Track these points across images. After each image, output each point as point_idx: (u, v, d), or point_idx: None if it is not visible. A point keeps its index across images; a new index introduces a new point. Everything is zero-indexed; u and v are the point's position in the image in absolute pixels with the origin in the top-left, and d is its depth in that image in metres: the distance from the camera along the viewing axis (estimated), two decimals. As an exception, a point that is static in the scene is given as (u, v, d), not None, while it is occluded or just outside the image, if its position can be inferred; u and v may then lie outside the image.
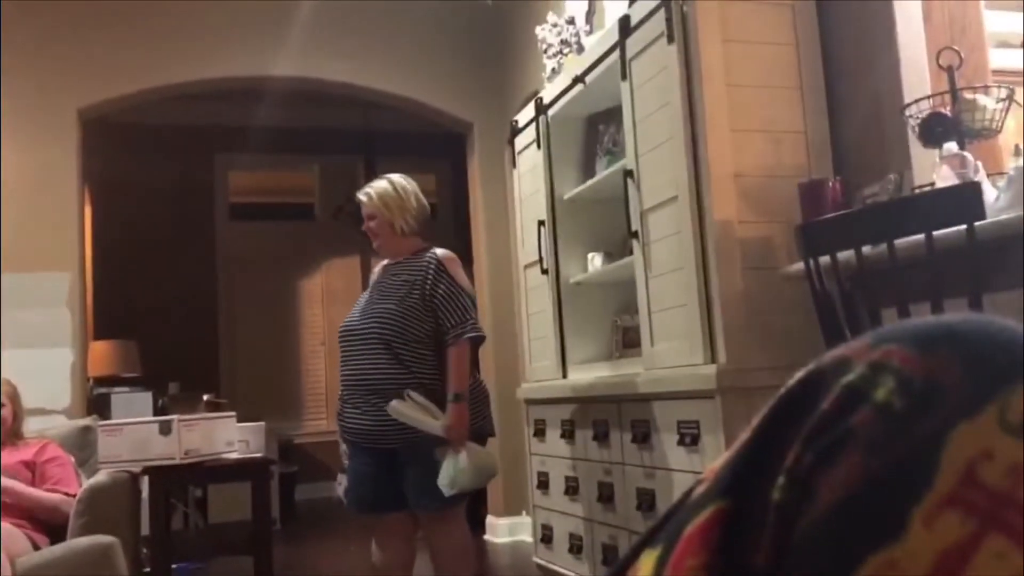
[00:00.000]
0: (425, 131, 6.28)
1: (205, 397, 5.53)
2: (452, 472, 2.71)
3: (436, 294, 2.85)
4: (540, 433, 3.81)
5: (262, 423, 5.64)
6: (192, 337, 7.18)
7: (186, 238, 7.44)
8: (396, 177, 3.10)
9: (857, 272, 1.92)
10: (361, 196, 3.06)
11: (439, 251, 3.00)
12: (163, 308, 7.03)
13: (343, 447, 3.01)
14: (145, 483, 3.55)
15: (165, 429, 4.81)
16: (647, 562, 0.40)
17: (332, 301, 7.99)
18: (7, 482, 3.04)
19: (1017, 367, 0.34)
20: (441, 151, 7.08)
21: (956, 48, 2.47)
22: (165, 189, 7.30)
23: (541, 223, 3.78)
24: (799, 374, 0.39)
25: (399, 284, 2.91)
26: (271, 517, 5.41)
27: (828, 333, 2.04)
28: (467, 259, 5.95)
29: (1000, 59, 3.76)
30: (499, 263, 5.34)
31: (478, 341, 2.91)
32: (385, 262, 3.09)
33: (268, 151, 7.32)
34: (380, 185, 3.05)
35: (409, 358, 2.81)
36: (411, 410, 2.74)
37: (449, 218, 7.61)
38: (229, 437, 5.05)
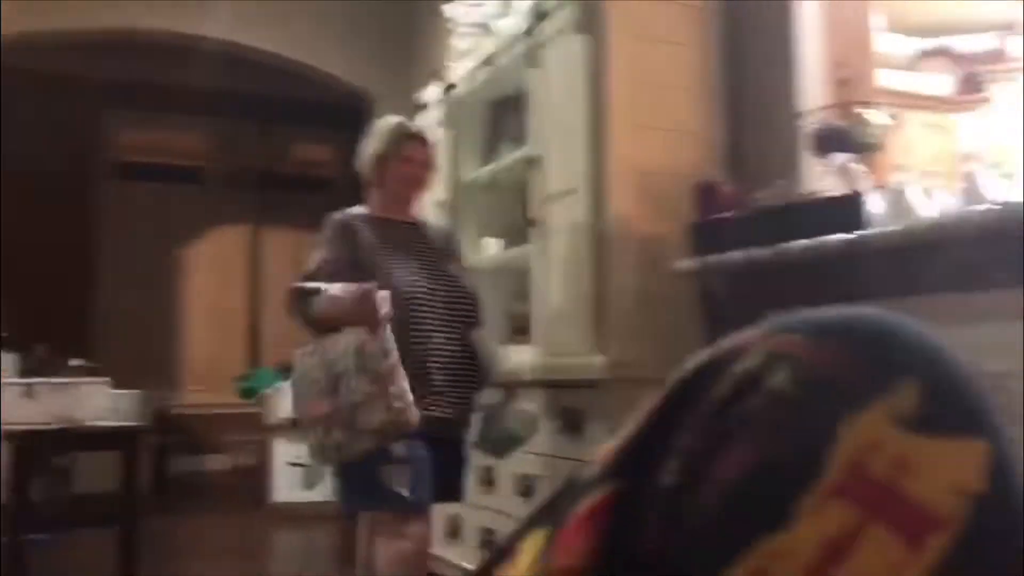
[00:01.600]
0: (324, 100, 6.15)
1: (74, 362, 5.28)
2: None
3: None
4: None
5: (136, 391, 5.42)
6: (65, 299, 6.84)
7: (64, 195, 7.07)
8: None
9: (745, 273, 1.97)
10: (426, 135, 2.59)
11: None
12: (33, 267, 6.67)
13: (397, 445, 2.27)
14: (3, 449, 3.37)
15: (29, 393, 4.56)
16: (531, 544, 0.39)
17: (219, 270, 7.75)
18: None
19: (907, 361, 0.34)
20: (340, 122, 6.94)
21: (849, 64, 2.57)
22: (46, 141, 6.91)
23: (441, 204, 3.75)
24: (695, 360, 0.39)
25: (444, 253, 2.55)
26: (139, 488, 5.22)
27: (712, 330, 2.10)
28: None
29: (886, 79, 3.93)
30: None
31: None
32: (383, 216, 2.53)
33: (159, 110, 7.02)
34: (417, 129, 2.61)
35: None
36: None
37: (345, 193, 7.48)
38: (99, 404, 4.83)
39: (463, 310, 2.42)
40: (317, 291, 2.27)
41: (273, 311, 7.54)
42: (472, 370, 2.41)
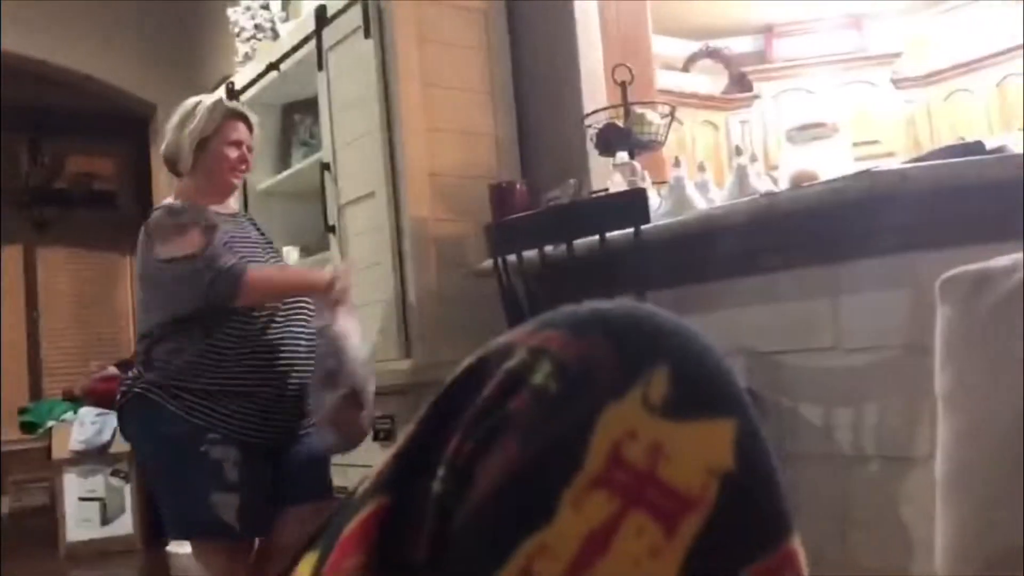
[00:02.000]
0: (104, 111, 5.76)
1: None
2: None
3: None
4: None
5: None
6: None
7: None
8: None
9: (540, 270, 2.02)
10: (250, 114, 2.34)
11: None
12: None
13: (227, 453, 2.08)
14: None
15: None
16: (304, 567, 0.38)
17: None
18: None
19: (659, 349, 0.36)
20: (122, 133, 6.53)
21: (628, 66, 2.69)
22: None
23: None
24: (465, 362, 0.39)
25: (269, 248, 2.36)
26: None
27: (513, 327, 2.14)
28: (150, 252, 5.54)
29: (663, 80, 4.15)
30: (186, 256, 5.02)
31: None
32: (214, 208, 2.29)
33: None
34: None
35: None
36: None
37: (130, 207, 7.03)
38: None
39: (301, 308, 2.23)
40: None
41: (54, 337, 6.98)
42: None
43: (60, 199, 7.19)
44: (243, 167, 2.30)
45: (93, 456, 4.90)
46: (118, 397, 2.20)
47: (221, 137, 2.24)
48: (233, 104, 2.40)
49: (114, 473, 4.97)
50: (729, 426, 0.35)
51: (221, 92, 3.73)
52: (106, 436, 4.95)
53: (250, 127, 2.32)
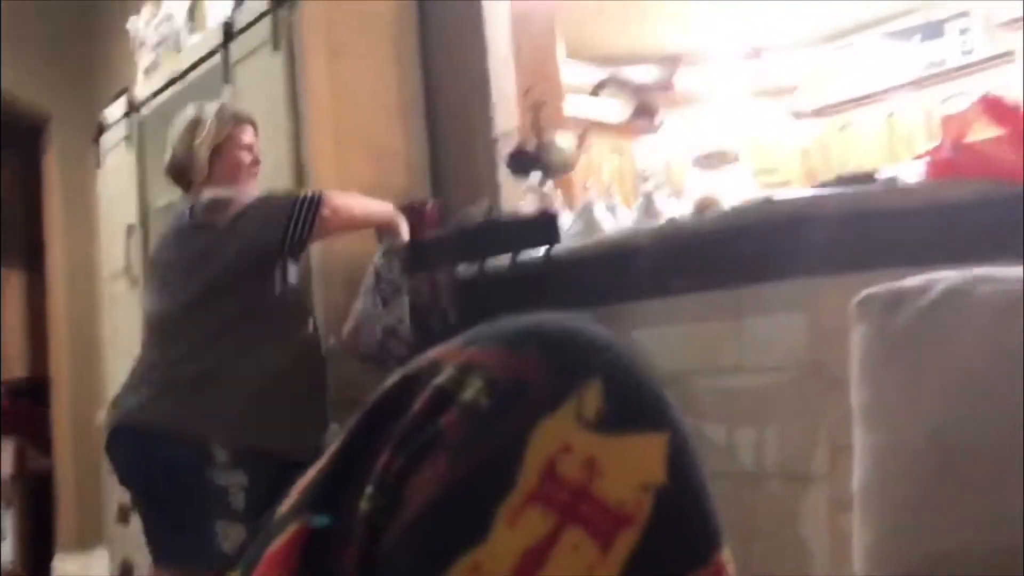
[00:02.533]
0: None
1: None
2: None
3: None
4: (122, 458, 3.48)
5: None
6: None
7: None
8: None
9: (453, 289, 2.01)
10: (254, 118, 2.40)
11: None
12: None
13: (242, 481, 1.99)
14: None
15: None
16: None
17: None
18: None
19: (592, 363, 0.36)
20: (11, 143, 6.23)
21: (540, 89, 2.72)
22: None
23: (130, 228, 3.48)
24: (391, 379, 0.38)
25: None
26: None
27: (425, 348, 2.12)
28: (39, 266, 5.30)
29: (572, 105, 4.22)
30: (78, 272, 4.81)
31: None
32: None
33: None
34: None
35: None
36: None
37: (18, 219, 6.71)
38: None
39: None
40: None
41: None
42: None
43: (-60, 210, 6.81)
44: (256, 170, 2.32)
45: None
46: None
47: (234, 143, 2.26)
48: (238, 109, 2.39)
49: (-4, 500, 4.72)
50: (661, 440, 0.35)
51: (119, 109, 3.61)
52: (-14, 461, 4.69)
53: (256, 130, 2.35)
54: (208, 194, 2.18)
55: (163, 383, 2.04)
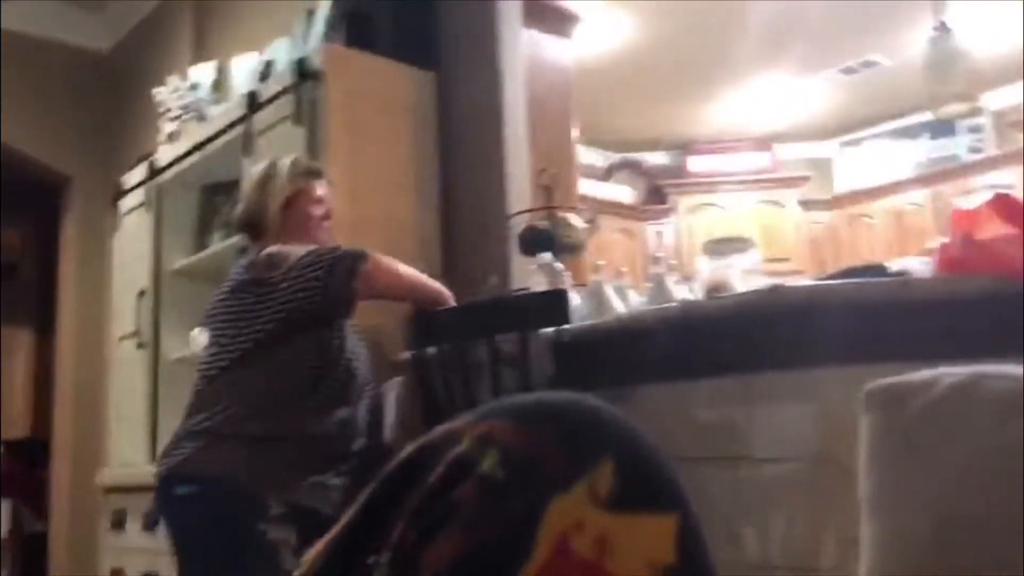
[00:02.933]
0: (12, 179, 5.58)
1: None
2: None
3: None
4: (119, 525, 3.44)
5: None
6: None
7: None
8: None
9: (460, 364, 2.01)
10: (323, 171, 2.41)
11: None
12: None
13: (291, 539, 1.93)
14: None
15: None
16: None
17: None
18: None
19: (605, 443, 0.36)
20: (31, 204, 6.33)
21: (553, 171, 2.77)
22: None
23: (142, 293, 3.51)
24: (408, 449, 0.39)
25: None
26: None
27: (429, 420, 2.11)
28: (49, 327, 5.32)
29: (585, 187, 4.28)
30: (87, 334, 4.83)
31: None
32: None
33: None
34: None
35: None
36: None
37: (32, 279, 6.77)
38: None
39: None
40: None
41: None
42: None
43: (-45, 267, 6.88)
44: (327, 224, 2.32)
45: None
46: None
47: (306, 197, 2.27)
48: (310, 163, 2.42)
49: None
50: (671, 521, 0.35)
51: (138, 173, 3.68)
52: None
53: (328, 184, 2.37)
54: (269, 249, 2.18)
55: (216, 434, 2.01)
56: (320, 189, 2.32)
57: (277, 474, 1.97)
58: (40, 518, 4.85)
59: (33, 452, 5.12)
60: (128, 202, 3.79)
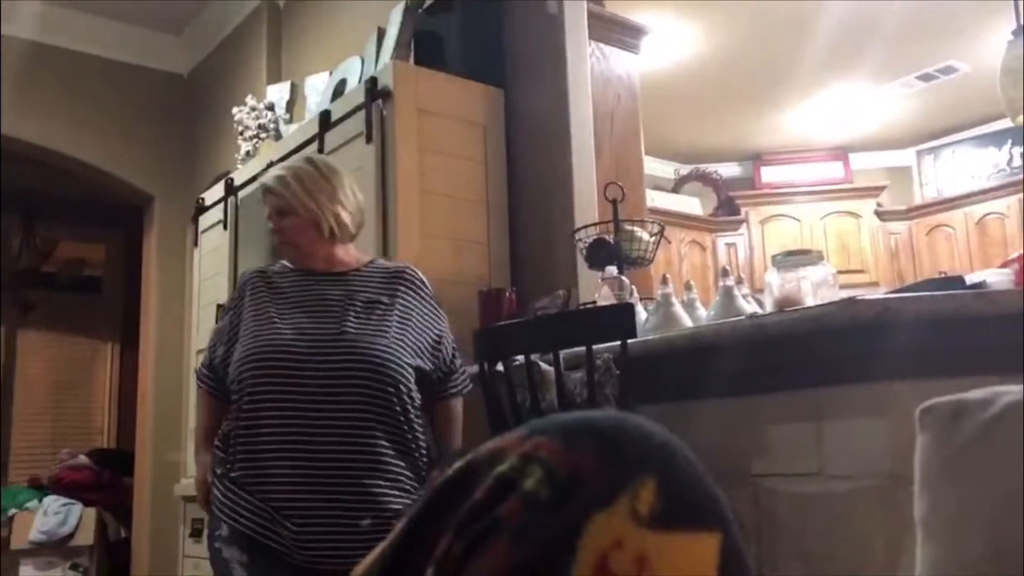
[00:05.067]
0: (99, 198, 5.82)
1: None
2: None
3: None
4: (197, 533, 3.54)
5: None
6: None
7: None
8: (319, 157, 2.28)
9: (527, 378, 2.02)
10: (268, 182, 2.12)
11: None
12: None
13: (234, 555, 1.88)
14: None
15: None
16: None
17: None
18: None
19: (647, 460, 0.36)
20: (116, 222, 6.58)
21: (620, 184, 2.76)
22: None
23: (220, 307, 3.61)
24: (455, 465, 0.39)
25: (358, 305, 2.02)
26: None
27: (496, 433, 2.12)
28: (133, 341, 5.51)
29: (653, 199, 4.25)
30: (168, 348, 4.99)
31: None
32: (292, 267, 2.14)
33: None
34: (299, 167, 2.12)
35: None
36: None
37: (117, 295, 7.02)
38: None
39: (344, 378, 1.90)
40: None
41: (28, 420, 6.84)
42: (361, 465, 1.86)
43: (47, 283, 7.18)
44: (277, 240, 2.17)
45: (52, 548, 4.75)
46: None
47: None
48: (262, 180, 2.30)
49: (73, 567, 4.81)
50: (714, 540, 0.35)
51: (217, 191, 3.79)
52: (69, 527, 4.81)
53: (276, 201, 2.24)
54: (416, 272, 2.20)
55: None
56: (268, 207, 2.12)
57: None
58: (124, 526, 5.01)
59: (119, 462, 5.29)
60: (207, 219, 3.90)
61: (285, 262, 2.16)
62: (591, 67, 3.10)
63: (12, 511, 5.04)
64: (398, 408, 1.92)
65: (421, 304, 2.10)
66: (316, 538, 1.84)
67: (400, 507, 1.86)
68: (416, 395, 1.98)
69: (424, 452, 1.99)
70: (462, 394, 2.14)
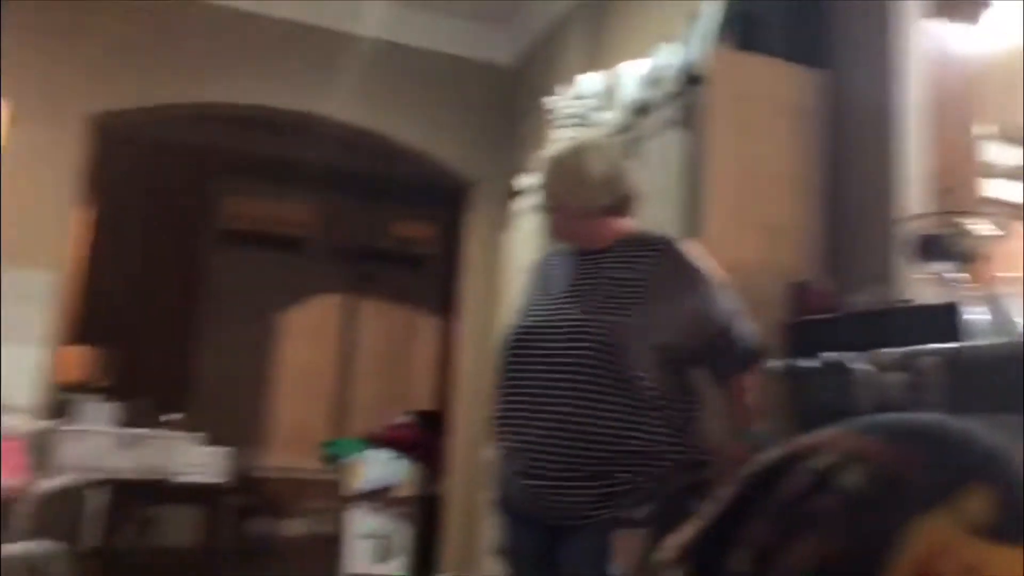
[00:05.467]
0: (431, 182, 6.36)
1: (164, 417, 5.48)
2: None
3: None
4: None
5: (224, 449, 5.57)
6: (168, 356, 7.11)
7: (177, 257, 7.43)
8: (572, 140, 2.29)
9: (840, 376, 1.94)
10: (537, 180, 2.27)
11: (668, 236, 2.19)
12: (142, 324, 6.98)
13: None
14: (94, 495, 3.50)
15: (125, 442, 4.73)
16: None
17: (312, 337, 7.94)
18: None
19: (976, 467, 0.35)
20: (440, 202, 7.15)
21: (953, 173, 2.54)
22: (164, 205, 7.31)
23: (531, 287, 3.80)
24: (771, 455, 0.41)
25: (610, 286, 2.05)
26: (218, 547, 5.31)
27: (801, 429, 2.05)
28: (452, 313, 5.97)
29: (995, 189, 3.84)
30: (484, 321, 5.35)
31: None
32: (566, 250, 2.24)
33: (265, 181, 7.38)
34: (555, 157, 2.20)
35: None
36: None
37: (439, 270, 7.64)
38: (189, 459, 4.98)
39: (565, 354, 1.95)
40: None
41: (362, 380, 7.67)
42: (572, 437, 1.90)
43: (382, 257, 7.99)
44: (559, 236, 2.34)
45: (379, 496, 5.28)
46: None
47: None
48: None
49: (396, 515, 5.31)
50: None
51: (530, 178, 3.98)
52: (394, 479, 5.31)
53: None
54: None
55: None
56: None
57: None
58: (438, 482, 5.46)
59: (439, 423, 5.76)
60: (521, 203, 4.12)
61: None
62: (923, 44, 2.86)
63: (346, 459, 5.69)
64: (625, 388, 1.91)
65: (673, 277, 2.05)
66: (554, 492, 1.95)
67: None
68: (647, 366, 1.93)
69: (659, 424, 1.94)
70: (746, 369, 2.08)
